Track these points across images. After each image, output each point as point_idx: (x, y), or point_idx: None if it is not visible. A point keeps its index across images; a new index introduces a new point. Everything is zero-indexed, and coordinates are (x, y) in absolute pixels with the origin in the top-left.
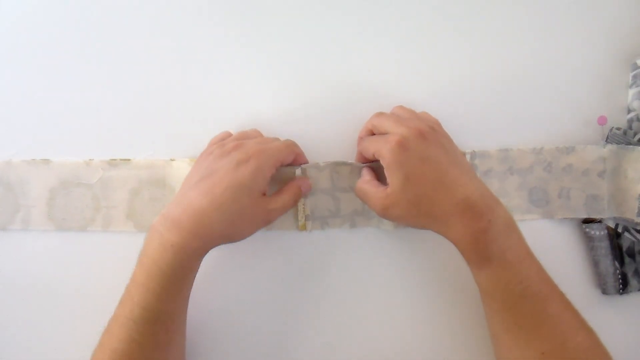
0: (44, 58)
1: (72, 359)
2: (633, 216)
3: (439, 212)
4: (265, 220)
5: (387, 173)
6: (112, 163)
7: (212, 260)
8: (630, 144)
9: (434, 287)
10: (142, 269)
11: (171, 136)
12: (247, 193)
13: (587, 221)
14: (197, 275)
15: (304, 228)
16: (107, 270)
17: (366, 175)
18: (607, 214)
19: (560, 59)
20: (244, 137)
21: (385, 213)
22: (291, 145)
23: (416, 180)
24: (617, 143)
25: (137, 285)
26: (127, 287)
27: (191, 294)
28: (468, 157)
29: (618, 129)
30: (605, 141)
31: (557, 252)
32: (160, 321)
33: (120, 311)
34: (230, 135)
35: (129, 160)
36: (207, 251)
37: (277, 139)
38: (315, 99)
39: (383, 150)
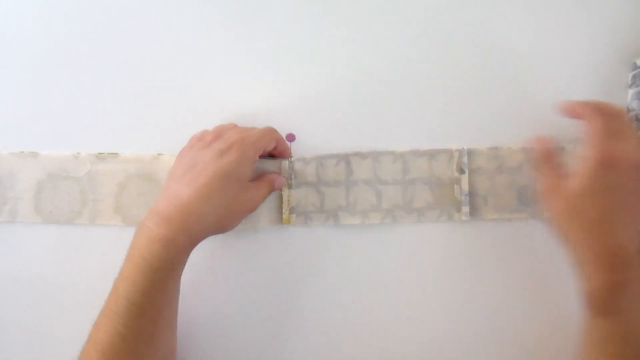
0: (32, 52)
1: (60, 352)
2: None
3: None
4: (250, 209)
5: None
6: (100, 157)
7: (197, 257)
8: None
9: (418, 283)
10: (129, 263)
11: (159, 131)
12: (234, 181)
13: None
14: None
15: (287, 222)
16: (95, 264)
17: None
18: None
19: (559, 59)
20: (222, 130)
21: (569, 200)
22: (271, 131)
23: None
24: None
25: (123, 278)
26: (114, 281)
27: None
28: (457, 154)
29: None
30: None
31: (556, 252)
32: (146, 314)
33: (107, 304)
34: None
35: (116, 154)
36: (196, 244)
37: (255, 128)
38: (304, 95)
39: (621, 147)
